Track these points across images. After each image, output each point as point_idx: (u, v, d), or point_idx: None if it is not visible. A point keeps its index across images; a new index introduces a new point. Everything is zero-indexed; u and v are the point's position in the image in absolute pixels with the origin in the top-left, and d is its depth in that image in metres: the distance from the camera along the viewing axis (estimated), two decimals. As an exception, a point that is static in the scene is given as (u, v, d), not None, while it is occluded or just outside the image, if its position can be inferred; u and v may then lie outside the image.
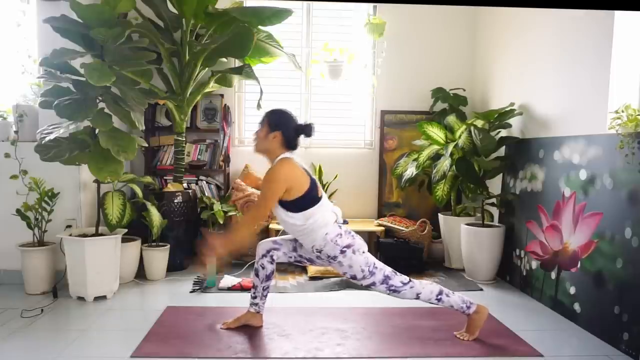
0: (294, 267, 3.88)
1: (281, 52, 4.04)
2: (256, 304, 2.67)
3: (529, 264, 3.35)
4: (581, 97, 2.93)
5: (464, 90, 4.48)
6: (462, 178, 3.77)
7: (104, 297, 3.10)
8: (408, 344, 2.48)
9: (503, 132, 3.80)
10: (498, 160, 3.68)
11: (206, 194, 4.22)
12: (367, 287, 2.51)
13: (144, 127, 3.35)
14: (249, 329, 2.63)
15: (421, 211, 4.46)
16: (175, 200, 3.72)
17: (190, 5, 3.56)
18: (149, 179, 3.80)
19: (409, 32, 4.52)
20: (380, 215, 4.50)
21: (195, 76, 3.83)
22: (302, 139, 2.53)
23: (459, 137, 3.75)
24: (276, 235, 3.91)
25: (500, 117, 3.63)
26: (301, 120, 2.54)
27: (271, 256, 2.60)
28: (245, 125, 4.57)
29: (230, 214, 4.01)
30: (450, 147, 3.71)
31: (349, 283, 3.42)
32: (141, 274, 3.53)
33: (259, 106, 4.01)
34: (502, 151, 3.81)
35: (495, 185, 3.93)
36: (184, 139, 3.98)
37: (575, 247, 2.85)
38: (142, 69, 3.24)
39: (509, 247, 3.60)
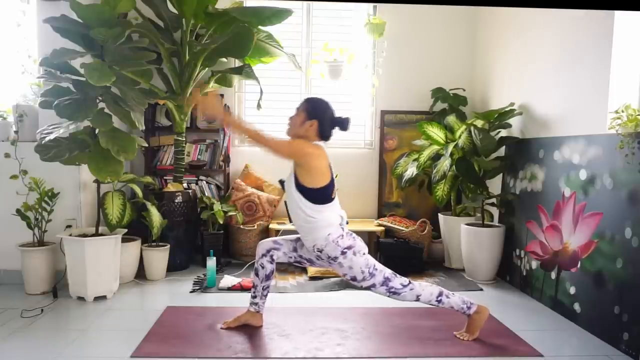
0: (294, 267, 3.88)
1: (281, 52, 4.04)
2: (256, 304, 2.67)
3: (529, 264, 3.35)
4: (581, 97, 2.93)
5: (464, 90, 4.48)
6: (462, 178, 3.78)
7: (104, 297, 3.10)
8: (408, 344, 2.48)
9: (503, 132, 3.80)
10: (498, 160, 3.68)
11: (206, 194, 4.22)
12: (367, 289, 2.51)
13: (144, 127, 3.35)
14: (249, 329, 2.63)
15: (421, 211, 4.46)
16: (175, 200, 3.72)
17: (190, 5, 3.56)
18: (149, 179, 3.80)
19: (409, 32, 4.52)
20: (380, 215, 4.51)
21: (195, 76, 3.83)
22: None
23: (459, 137, 3.75)
24: (276, 235, 3.92)
25: (500, 117, 3.63)
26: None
27: (271, 256, 2.60)
28: (245, 125, 4.56)
29: (230, 214, 4.02)
30: (450, 147, 3.71)
31: (349, 283, 3.41)
32: (141, 274, 3.53)
33: (259, 106, 4.01)
34: (502, 151, 3.81)
35: (495, 185, 3.93)
36: (184, 139, 3.98)
37: (575, 247, 2.85)
38: (142, 69, 3.24)
39: (509, 247, 3.60)
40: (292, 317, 2.82)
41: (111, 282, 3.13)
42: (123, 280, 3.37)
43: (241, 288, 3.33)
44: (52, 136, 2.85)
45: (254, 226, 4.08)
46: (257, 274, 2.64)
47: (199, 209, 3.97)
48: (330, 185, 2.44)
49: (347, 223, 2.56)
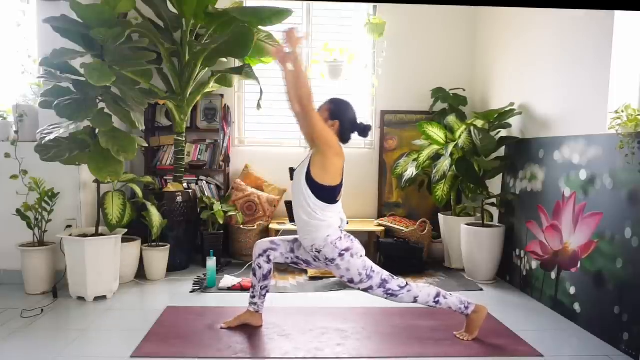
0: (294, 267, 3.87)
1: (281, 52, 4.03)
2: (255, 304, 2.67)
3: (529, 264, 3.35)
4: (581, 97, 2.93)
5: (464, 90, 4.47)
6: (462, 178, 3.77)
7: (104, 297, 3.10)
8: (408, 344, 2.48)
9: (503, 132, 3.80)
10: (498, 160, 3.68)
11: (206, 194, 4.22)
12: (365, 291, 2.50)
13: (144, 127, 3.35)
14: (249, 329, 2.63)
15: (421, 211, 4.46)
16: (175, 200, 3.72)
17: (190, 5, 3.56)
18: (149, 179, 3.80)
19: (408, 32, 4.52)
20: (380, 215, 4.50)
21: (195, 76, 3.84)
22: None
23: (459, 137, 3.75)
24: (276, 235, 3.92)
25: (500, 117, 3.63)
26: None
27: (268, 256, 2.60)
28: (245, 125, 4.57)
29: (230, 214, 4.02)
30: (450, 147, 3.71)
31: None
32: (141, 274, 3.53)
33: (259, 106, 4.01)
34: (502, 151, 3.81)
35: (495, 185, 3.93)
36: (184, 139, 3.98)
37: (575, 247, 2.85)
38: (142, 69, 3.24)
39: (509, 247, 3.60)
40: (292, 317, 2.82)
41: (111, 282, 3.13)
42: (123, 280, 3.37)
43: (241, 288, 3.33)
44: (52, 136, 2.85)
45: (254, 226, 4.08)
46: (254, 274, 2.64)
47: (199, 209, 3.97)
48: (339, 187, 2.44)
49: (347, 223, 2.56)
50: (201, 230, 4.01)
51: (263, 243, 2.64)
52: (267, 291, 2.69)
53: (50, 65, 2.95)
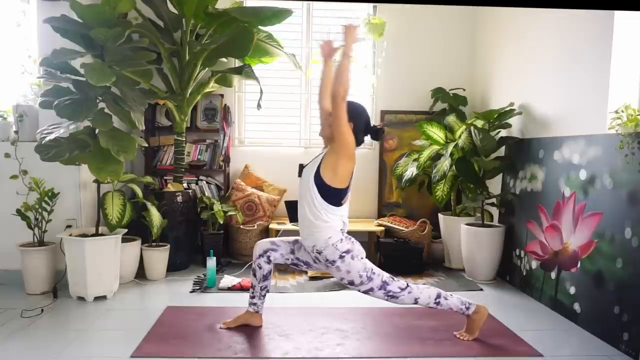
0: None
1: (281, 52, 4.04)
2: (255, 304, 2.67)
3: (529, 264, 3.35)
4: (581, 97, 2.93)
5: (464, 90, 4.48)
6: (462, 178, 3.77)
7: (104, 297, 3.10)
8: (408, 344, 2.48)
9: (503, 132, 3.80)
10: (498, 160, 3.68)
11: (206, 194, 4.22)
12: (365, 293, 2.49)
13: (144, 127, 3.35)
14: (249, 329, 2.63)
15: (421, 211, 4.46)
16: (175, 200, 3.72)
17: (190, 5, 3.56)
18: (149, 179, 3.80)
19: (408, 32, 4.52)
20: (380, 215, 4.50)
21: (195, 76, 3.84)
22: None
23: (459, 137, 3.75)
24: (276, 236, 3.92)
25: (500, 117, 3.63)
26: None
27: (268, 257, 2.59)
28: (246, 125, 4.57)
29: (230, 214, 4.02)
30: (450, 147, 3.71)
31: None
32: (141, 274, 3.53)
33: (259, 106, 4.01)
34: (502, 151, 3.81)
35: (495, 185, 3.93)
36: (184, 139, 3.98)
37: (575, 247, 2.85)
38: (142, 69, 3.23)
39: (509, 247, 3.60)
40: (292, 317, 2.82)
41: (111, 282, 3.13)
42: (123, 280, 3.37)
43: (241, 288, 3.33)
44: (52, 136, 2.85)
45: (254, 226, 4.08)
46: (254, 275, 2.64)
47: (199, 209, 3.97)
48: (345, 191, 2.43)
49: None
50: (201, 230, 4.01)
51: (263, 243, 2.64)
52: (267, 291, 2.69)
53: (50, 65, 2.95)
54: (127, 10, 3.22)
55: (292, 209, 3.86)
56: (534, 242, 3.29)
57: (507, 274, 3.64)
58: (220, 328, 2.64)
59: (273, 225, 4.09)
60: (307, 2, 4.42)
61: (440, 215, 4.13)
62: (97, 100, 3.00)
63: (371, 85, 4.49)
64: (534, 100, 3.48)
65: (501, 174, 3.81)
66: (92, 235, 3.12)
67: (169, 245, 3.61)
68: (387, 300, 2.48)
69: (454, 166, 3.73)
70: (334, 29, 2.44)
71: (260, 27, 3.82)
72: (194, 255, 3.97)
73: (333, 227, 2.41)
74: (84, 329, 2.62)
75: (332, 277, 3.56)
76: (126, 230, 3.32)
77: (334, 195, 2.39)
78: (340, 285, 3.42)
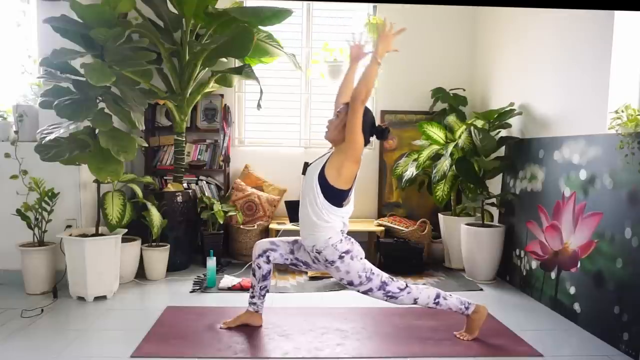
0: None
1: (281, 52, 4.04)
2: (254, 304, 2.67)
3: (529, 264, 3.35)
4: (581, 97, 2.93)
5: (464, 90, 4.47)
6: (462, 178, 3.77)
7: (104, 297, 3.10)
8: (408, 344, 2.48)
9: (503, 132, 3.80)
10: (498, 160, 3.68)
11: (206, 194, 4.22)
12: (364, 294, 2.49)
13: (144, 127, 3.35)
14: (249, 329, 2.63)
15: (421, 211, 4.46)
16: (175, 200, 3.72)
17: (190, 5, 3.56)
18: (149, 179, 3.80)
19: (408, 32, 4.45)
20: (380, 215, 4.50)
21: (195, 76, 3.84)
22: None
23: (459, 137, 3.75)
24: (276, 236, 3.92)
25: (500, 117, 3.63)
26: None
27: (267, 257, 2.59)
28: (246, 125, 4.57)
29: (230, 214, 4.02)
30: (450, 147, 3.71)
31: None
32: (141, 274, 3.53)
33: (259, 106, 4.01)
34: (502, 151, 3.81)
35: (495, 185, 3.93)
36: (184, 139, 3.98)
37: (575, 247, 2.85)
38: (142, 69, 3.23)
39: (509, 247, 3.60)
40: (292, 317, 2.82)
41: (111, 282, 3.13)
42: (123, 280, 3.37)
43: (241, 288, 3.33)
44: (52, 136, 2.85)
45: (254, 226, 4.08)
46: (254, 275, 2.64)
47: (199, 209, 3.97)
48: (347, 193, 2.42)
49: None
50: (201, 230, 4.01)
51: (263, 243, 2.64)
52: (267, 291, 2.69)
53: (50, 65, 2.95)
54: (127, 10, 3.22)
55: (292, 209, 3.86)
56: (534, 242, 3.29)
57: (507, 274, 3.64)
58: (220, 328, 2.64)
59: (273, 225, 4.08)
60: (307, 2, 4.42)
61: (440, 215, 4.13)
62: (97, 100, 3.00)
63: (371, 85, 4.48)
64: (534, 100, 3.48)
65: (501, 174, 3.81)
66: (92, 235, 3.12)
67: (169, 245, 3.61)
68: (386, 300, 2.48)
69: (454, 166, 3.73)
70: (360, 32, 2.49)
71: (260, 27, 3.82)
72: (194, 255, 3.97)
73: (333, 228, 2.41)
74: (84, 329, 2.62)
75: (332, 277, 3.58)
76: (126, 230, 3.32)
77: (336, 196, 2.38)
78: (340, 286, 3.42)
